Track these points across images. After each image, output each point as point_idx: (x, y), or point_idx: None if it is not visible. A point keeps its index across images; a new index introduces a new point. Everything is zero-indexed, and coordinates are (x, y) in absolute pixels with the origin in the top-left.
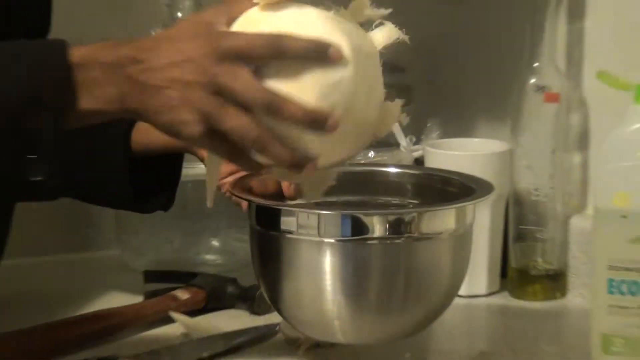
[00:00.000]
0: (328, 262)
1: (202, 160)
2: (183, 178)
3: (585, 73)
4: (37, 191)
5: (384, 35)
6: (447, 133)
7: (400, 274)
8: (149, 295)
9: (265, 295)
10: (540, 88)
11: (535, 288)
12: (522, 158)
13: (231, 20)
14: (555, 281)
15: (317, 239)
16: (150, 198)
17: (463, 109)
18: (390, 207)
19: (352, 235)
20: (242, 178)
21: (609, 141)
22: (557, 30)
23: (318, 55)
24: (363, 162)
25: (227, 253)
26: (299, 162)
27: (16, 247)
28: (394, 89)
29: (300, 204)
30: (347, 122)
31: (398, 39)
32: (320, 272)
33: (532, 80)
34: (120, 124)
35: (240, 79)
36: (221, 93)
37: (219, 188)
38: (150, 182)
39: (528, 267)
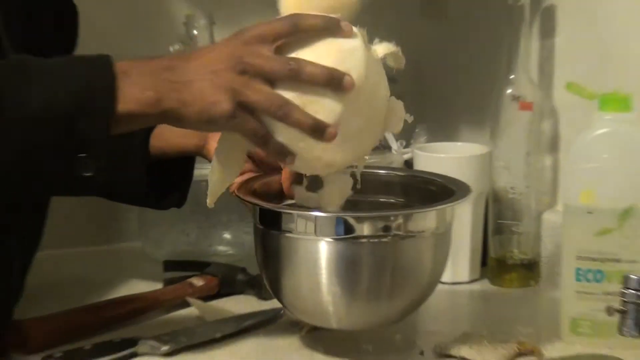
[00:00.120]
0: (324, 258)
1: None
2: (197, 177)
3: (555, 84)
4: (86, 186)
5: (382, 48)
6: (433, 137)
7: (388, 268)
8: (168, 282)
9: (268, 287)
10: (515, 97)
11: (512, 276)
12: (499, 160)
13: None
14: (529, 270)
15: (314, 237)
16: (165, 196)
17: (448, 116)
18: (379, 206)
19: (345, 235)
20: (247, 181)
21: (577, 145)
22: (530, 46)
23: (331, 29)
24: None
25: (237, 244)
26: (320, 126)
27: (51, 240)
28: None
29: (299, 206)
30: (360, 108)
31: (395, 52)
32: (317, 267)
33: (509, 91)
34: (140, 132)
35: (262, 55)
36: (246, 71)
37: (227, 188)
38: (165, 182)
39: (505, 257)
